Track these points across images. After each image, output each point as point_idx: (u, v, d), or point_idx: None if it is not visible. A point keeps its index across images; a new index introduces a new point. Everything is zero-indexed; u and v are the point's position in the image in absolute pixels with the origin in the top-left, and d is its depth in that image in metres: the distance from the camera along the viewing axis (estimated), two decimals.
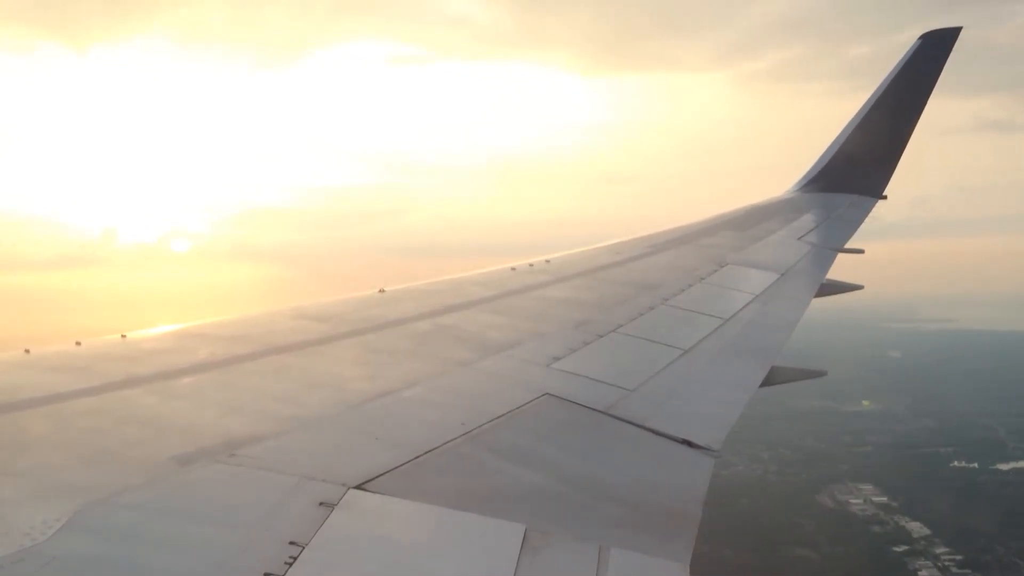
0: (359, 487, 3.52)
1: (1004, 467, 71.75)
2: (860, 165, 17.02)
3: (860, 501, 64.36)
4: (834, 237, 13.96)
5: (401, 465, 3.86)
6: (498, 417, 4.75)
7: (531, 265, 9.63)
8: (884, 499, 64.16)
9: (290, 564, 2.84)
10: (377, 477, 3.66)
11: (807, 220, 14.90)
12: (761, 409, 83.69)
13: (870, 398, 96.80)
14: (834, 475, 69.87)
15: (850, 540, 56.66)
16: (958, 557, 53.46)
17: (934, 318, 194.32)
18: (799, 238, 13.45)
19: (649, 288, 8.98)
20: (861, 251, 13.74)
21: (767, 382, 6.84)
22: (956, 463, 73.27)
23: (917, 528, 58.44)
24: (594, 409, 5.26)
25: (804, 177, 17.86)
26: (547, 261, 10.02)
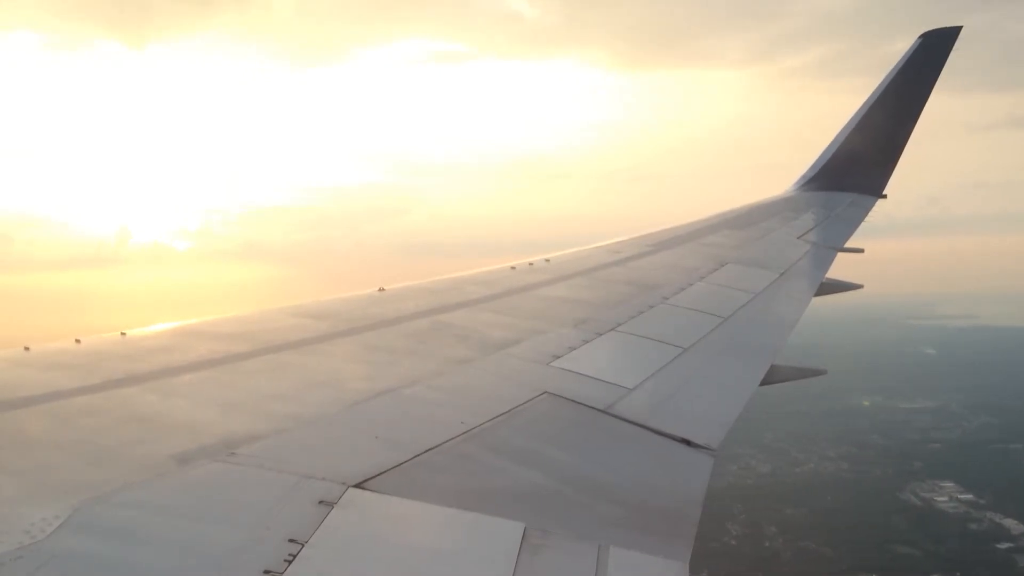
0: (358, 486, 3.52)
1: None
2: (860, 164, 17.01)
3: (946, 498, 63.98)
4: (834, 236, 13.96)
5: (400, 464, 3.86)
6: (498, 416, 4.75)
7: (531, 264, 9.64)
8: (970, 496, 63.84)
9: (289, 562, 2.84)
10: (377, 476, 3.66)
11: (807, 219, 14.90)
12: (816, 406, 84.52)
13: (921, 395, 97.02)
14: (910, 472, 69.76)
15: (950, 538, 56.50)
16: None
17: (956, 315, 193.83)
18: (799, 237, 13.44)
19: (648, 287, 8.98)
20: (861, 250, 13.74)
21: (766, 381, 6.84)
22: None
23: (1014, 525, 58.17)
24: (593, 408, 5.26)
25: (804, 176, 17.86)
26: (547, 260, 10.02)
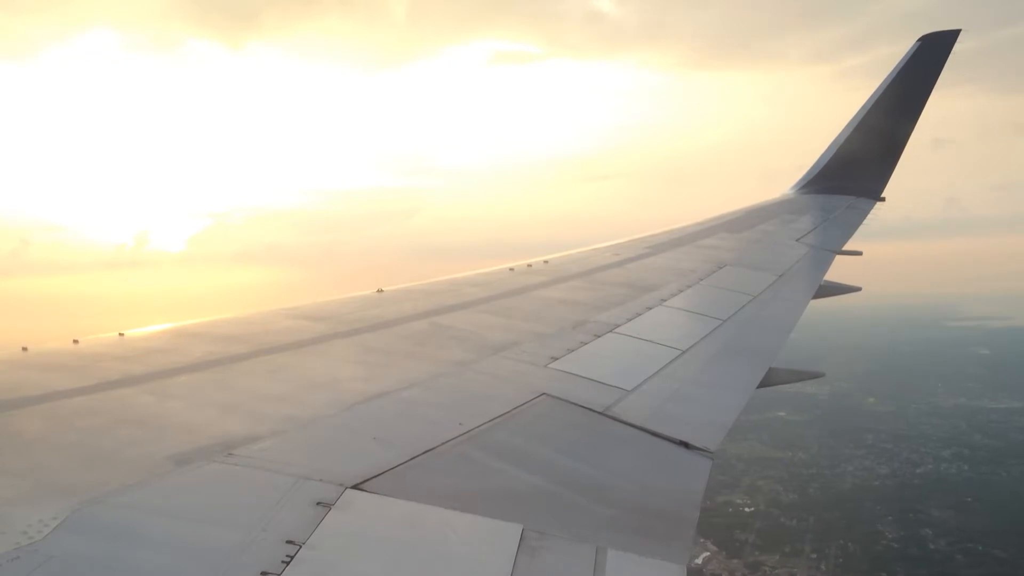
0: (356, 487, 3.52)
1: None
2: (858, 167, 17.02)
3: None
4: (832, 239, 13.98)
5: (398, 465, 3.86)
6: (496, 417, 4.75)
7: (529, 265, 9.65)
8: None
9: (287, 563, 2.84)
10: (374, 477, 3.66)
11: (805, 222, 14.92)
12: (903, 407, 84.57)
13: (1002, 395, 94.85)
14: None
15: None
16: None
17: (991, 315, 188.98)
18: (797, 240, 13.46)
19: (647, 289, 8.98)
20: (859, 253, 13.76)
21: (764, 383, 6.84)
22: None
23: None
24: (591, 410, 5.26)
25: (802, 179, 17.88)
26: (545, 261, 10.04)
